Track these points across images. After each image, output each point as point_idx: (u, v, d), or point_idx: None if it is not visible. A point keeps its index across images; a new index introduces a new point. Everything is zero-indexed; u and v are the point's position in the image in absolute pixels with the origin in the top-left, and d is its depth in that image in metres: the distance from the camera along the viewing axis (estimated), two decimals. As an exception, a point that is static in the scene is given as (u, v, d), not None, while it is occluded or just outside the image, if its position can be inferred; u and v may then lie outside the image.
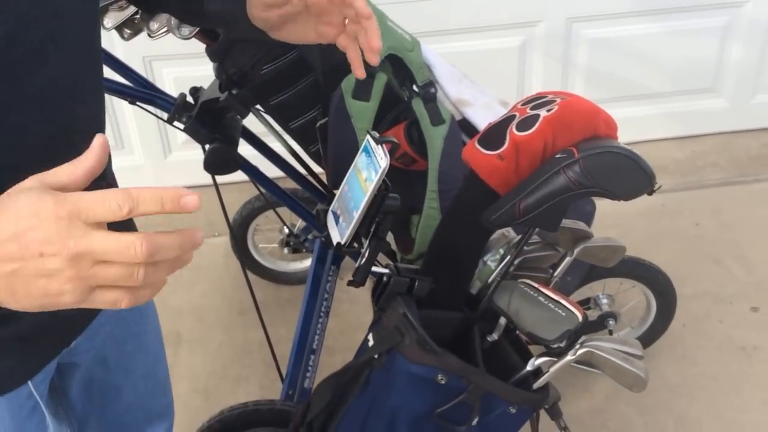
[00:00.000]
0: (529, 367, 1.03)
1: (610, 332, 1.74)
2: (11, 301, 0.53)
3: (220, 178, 1.56)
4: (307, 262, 2.21)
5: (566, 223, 1.11)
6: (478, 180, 1.00)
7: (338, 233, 0.92)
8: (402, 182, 1.25)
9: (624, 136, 0.97)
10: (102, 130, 0.80)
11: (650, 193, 0.96)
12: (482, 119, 1.39)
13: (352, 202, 0.90)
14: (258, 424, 1.45)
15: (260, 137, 1.70)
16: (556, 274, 1.16)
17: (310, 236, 2.05)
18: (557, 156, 0.95)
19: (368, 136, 0.89)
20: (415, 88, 1.39)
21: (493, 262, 1.19)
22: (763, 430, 1.74)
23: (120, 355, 0.98)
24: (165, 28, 1.47)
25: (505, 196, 0.98)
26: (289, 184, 1.76)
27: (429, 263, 1.12)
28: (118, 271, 0.51)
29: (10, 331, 0.74)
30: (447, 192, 1.33)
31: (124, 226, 0.54)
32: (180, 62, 2.39)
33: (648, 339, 1.87)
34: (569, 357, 1.00)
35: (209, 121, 1.49)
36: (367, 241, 0.94)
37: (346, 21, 0.82)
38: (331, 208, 0.97)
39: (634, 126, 2.67)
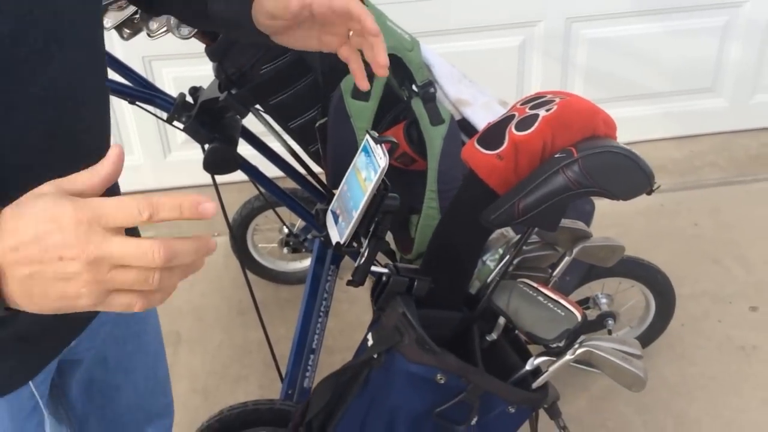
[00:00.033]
0: (528, 367, 1.04)
1: (609, 332, 1.74)
2: (27, 304, 0.54)
3: (219, 178, 1.56)
4: (306, 262, 2.21)
5: (565, 222, 1.11)
6: (477, 180, 1.00)
7: (337, 233, 0.92)
8: (401, 182, 1.25)
9: (623, 136, 0.97)
10: (107, 131, 0.81)
11: (649, 193, 0.96)
12: (481, 119, 1.39)
13: (351, 201, 0.90)
14: (257, 423, 1.45)
15: (260, 137, 1.70)
16: (555, 273, 1.16)
17: (309, 236, 2.05)
18: (556, 156, 0.95)
19: (367, 136, 0.89)
20: (414, 87, 1.39)
21: (492, 262, 1.19)
22: (762, 430, 1.75)
23: (120, 354, 0.98)
24: (164, 28, 1.48)
25: (504, 195, 0.98)
26: (289, 184, 1.76)
27: (428, 263, 1.12)
28: (135, 275, 0.52)
29: (10, 332, 0.74)
30: (446, 192, 1.33)
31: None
32: (179, 62, 2.39)
33: (647, 338, 1.87)
34: (568, 356, 1.00)
35: (209, 121, 1.49)
36: (367, 241, 0.94)
37: (350, 33, 0.82)
38: (330, 207, 0.97)
39: (633, 126, 2.67)
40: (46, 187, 0.55)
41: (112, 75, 1.55)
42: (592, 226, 1.30)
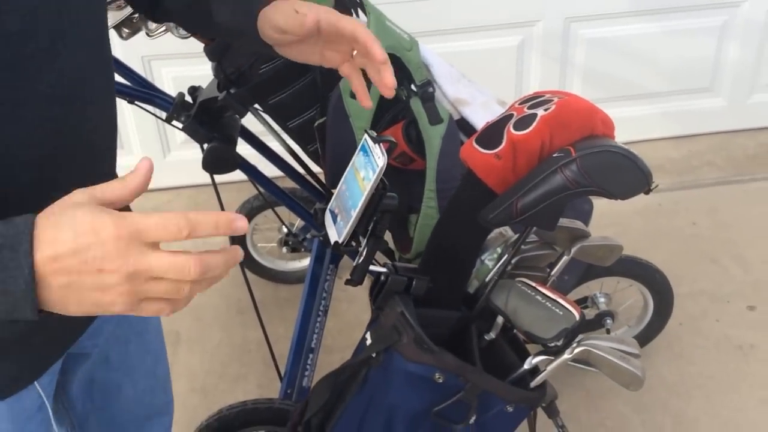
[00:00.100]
0: (526, 366, 1.04)
1: (608, 331, 1.74)
2: (60, 308, 0.56)
3: (218, 178, 1.56)
4: (305, 261, 2.21)
5: (563, 222, 1.11)
6: (476, 179, 1.01)
7: (336, 232, 0.92)
8: (400, 181, 1.26)
9: (621, 136, 0.98)
10: (114, 132, 0.81)
11: (647, 193, 0.97)
12: (480, 118, 1.39)
13: (349, 201, 0.90)
14: (256, 422, 1.45)
15: (259, 136, 1.70)
16: (553, 273, 1.16)
17: (308, 235, 2.05)
18: (554, 155, 0.95)
19: (366, 135, 0.89)
20: (413, 87, 1.39)
21: (490, 261, 1.19)
22: (760, 428, 1.75)
23: (122, 353, 0.98)
24: (163, 28, 1.48)
25: (503, 195, 0.98)
26: (288, 184, 1.76)
27: (427, 262, 1.12)
28: (168, 286, 0.55)
29: (14, 333, 0.75)
30: (445, 191, 1.33)
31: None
32: (179, 62, 2.39)
33: (645, 338, 1.88)
34: (566, 355, 1.00)
35: (208, 121, 1.49)
36: (365, 240, 0.94)
37: (354, 52, 0.83)
38: (328, 207, 0.97)
39: (631, 125, 2.68)
40: (79, 195, 0.56)
41: (111, 74, 1.55)
42: (591, 226, 1.31)
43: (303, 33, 0.80)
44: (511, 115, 1.00)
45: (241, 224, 0.56)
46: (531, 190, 0.94)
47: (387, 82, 0.80)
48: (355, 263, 0.96)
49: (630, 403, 1.81)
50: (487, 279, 1.13)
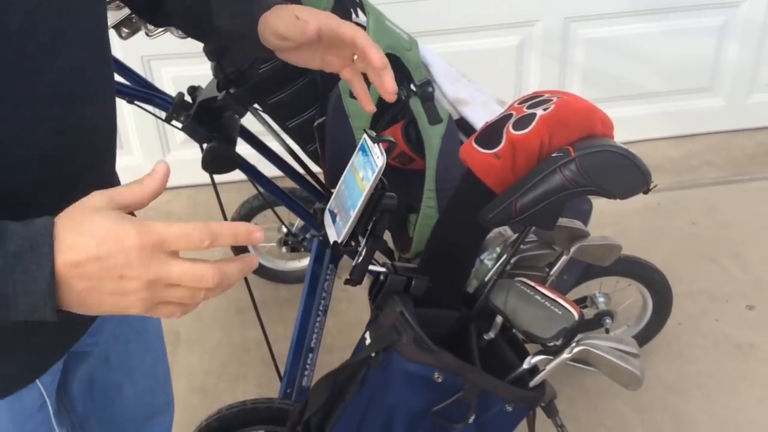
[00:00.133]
0: (525, 366, 1.04)
1: (607, 330, 1.74)
2: (78, 309, 0.57)
3: (218, 178, 1.56)
4: (305, 261, 2.21)
5: (563, 221, 1.11)
6: (475, 179, 1.01)
7: (335, 232, 0.92)
8: (399, 181, 1.26)
9: (620, 136, 0.98)
10: (114, 132, 0.81)
11: (646, 192, 0.96)
12: (479, 118, 1.39)
13: (349, 200, 0.90)
14: (256, 422, 1.45)
15: (258, 136, 1.70)
16: (552, 272, 1.16)
17: (308, 235, 2.05)
18: (554, 155, 0.95)
19: (365, 135, 0.89)
20: (412, 87, 1.39)
21: (489, 261, 1.19)
22: (759, 428, 1.75)
23: (123, 353, 0.98)
24: (163, 27, 1.48)
25: (502, 194, 0.98)
26: (287, 183, 1.76)
27: (426, 262, 1.12)
28: (185, 292, 0.57)
29: (15, 332, 0.75)
30: (444, 191, 1.34)
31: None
32: (178, 61, 2.39)
33: (644, 337, 1.88)
34: (565, 355, 1.00)
35: (207, 120, 1.49)
36: (364, 240, 0.94)
37: (354, 56, 0.83)
38: (328, 206, 0.97)
39: (630, 125, 2.68)
40: (97, 198, 0.57)
41: (111, 74, 1.55)
42: (590, 225, 1.31)
43: (304, 40, 0.80)
44: (511, 115, 1.00)
45: (258, 236, 0.57)
46: (530, 190, 0.95)
47: (388, 87, 0.80)
48: (354, 263, 0.96)
49: (629, 403, 1.81)
50: (487, 278, 1.13)
